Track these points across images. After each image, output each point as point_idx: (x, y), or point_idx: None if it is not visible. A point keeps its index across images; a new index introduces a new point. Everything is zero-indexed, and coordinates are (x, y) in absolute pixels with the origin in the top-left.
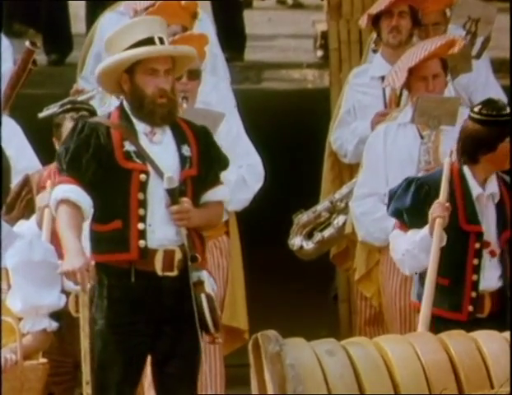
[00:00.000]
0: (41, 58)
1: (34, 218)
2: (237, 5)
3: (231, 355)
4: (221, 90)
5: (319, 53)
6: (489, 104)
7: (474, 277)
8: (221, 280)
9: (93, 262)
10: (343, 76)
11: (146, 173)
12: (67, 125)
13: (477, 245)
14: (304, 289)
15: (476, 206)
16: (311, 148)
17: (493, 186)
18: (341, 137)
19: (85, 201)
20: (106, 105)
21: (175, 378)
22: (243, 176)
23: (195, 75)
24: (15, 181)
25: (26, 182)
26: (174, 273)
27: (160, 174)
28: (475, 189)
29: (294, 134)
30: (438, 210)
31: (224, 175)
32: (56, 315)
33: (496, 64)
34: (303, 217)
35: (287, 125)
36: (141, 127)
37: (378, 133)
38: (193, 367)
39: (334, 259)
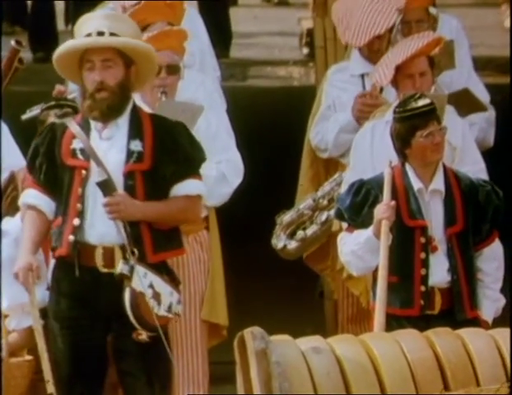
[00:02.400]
0: (27, 55)
1: (19, 215)
2: (223, 2)
3: (216, 352)
4: (207, 87)
5: (305, 50)
6: (404, 100)
7: (422, 271)
8: (202, 274)
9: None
10: (325, 76)
11: (87, 169)
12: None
13: (423, 240)
14: (289, 286)
15: (419, 201)
16: (297, 146)
17: (438, 182)
18: (321, 131)
19: (43, 203)
20: None
21: (131, 376)
22: (222, 171)
23: (174, 70)
24: (0, 178)
25: (12, 179)
26: (115, 270)
27: (102, 168)
28: (416, 184)
29: (279, 132)
30: (382, 210)
31: (203, 171)
32: (42, 312)
33: (482, 62)
34: (286, 217)
35: (273, 122)
36: (93, 123)
37: (365, 131)
38: (147, 364)
39: (307, 260)
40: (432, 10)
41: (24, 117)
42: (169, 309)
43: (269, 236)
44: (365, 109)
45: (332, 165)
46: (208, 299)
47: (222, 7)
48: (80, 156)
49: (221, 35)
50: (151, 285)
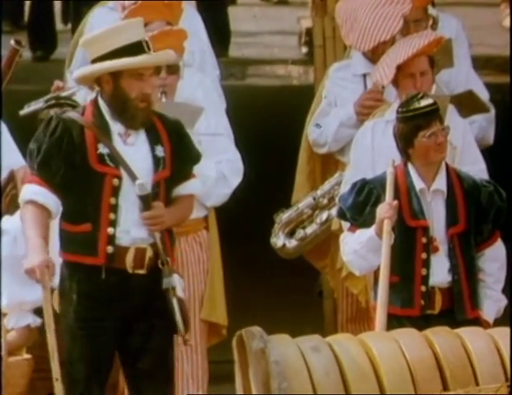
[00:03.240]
0: (26, 54)
1: (18, 214)
2: (222, 1)
3: (215, 351)
4: (206, 86)
5: (304, 49)
6: (406, 100)
7: (423, 271)
8: (201, 274)
9: (60, 260)
10: (326, 74)
11: (119, 177)
12: None
13: (424, 240)
14: (289, 285)
15: (421, 202)
16: (296, 144)
17: (441, 182)
18: (322, 126)
19: (52, 202)
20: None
21: (147, 374)
22: (222, 171)
23: (174, 70)
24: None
25: (11, 178)
26: (145, 271)
27: (133, 177)
28: (418, 184)
29: (278, 130)
30: (384, 210)
31: (203, 171)
32: (40, 311)
33: (482, 61)
34: (284, 216)
35: (272, 121)
36: (115, 127)
37: (366, 130)
38: (165, 364)
39: (308, 256)
40: (432, 10)
41: (22, 112)
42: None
43: (268, 235)
44: (367, 105)
45: (329, 163)
46: (208, 299)
47: (221, 6)
48: (109, 163)
49: (220, 34)
50: (183, 290)
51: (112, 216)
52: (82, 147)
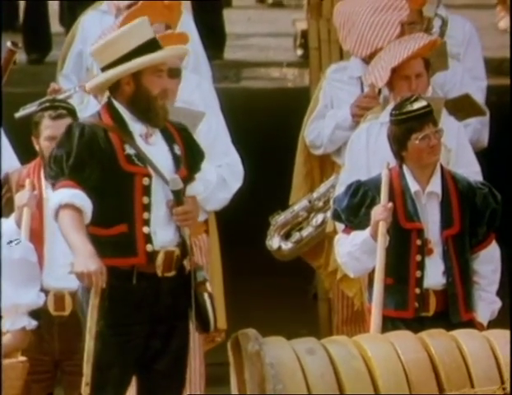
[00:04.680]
0: (21, 56)
1: (13, 217)
2: (217, 4)
3: (211, 353)
4: (203, 89)
5: (299, 51)
6: (400, 103)
7: (418, 274)
8: None
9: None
10: (324, 75)
11: (149, 176)
12: (46, 123)
13: (419, 242)
14: (284, 287)
15: (416, 204)
16: (291, 147)
17: (435, 184)
18: (317, 128)
19: (87, 206)
20: (84, 104)
21: (163, 376)
22: (222, 175)
23: (175, 73)
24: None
25: (6, 181)
26: (172, 273)
27: (160, 176)
28: (413, 186)
29: (274, 133)
30: (379, 212)
31: (204, 175)
32: (35, 314)
33: None
34: (280, 218)
35: (267, 124)
36: (136, 128)
37: (360, 132)
38: (182, 365)
39: (305, 255)
40: (441, 11)
41: (17, 115)
42: None
43: (264, 238)
44: (363, 107)
45: (327, 164)
46: None
47: (216, 9)
48: (138, 163)
49: (214, 37)
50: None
51: (146, 215)
52: (110, 150)
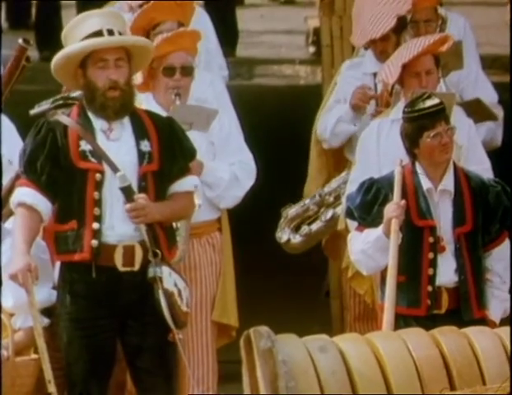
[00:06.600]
0: (33, 54)
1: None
2: (229, 1)
3: (223, 351)
4: (216, 87)
5: (312, 49)
6: (412, 101)
7: (430, 271)
8: (213, 276)
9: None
10: (336, 72)
11: (101, 172)
12: None
13: (431, 240)
14: (296, 285)
15: (428, 201)
16: (303, 144)
17: (448, 182)
18: (325, 121)
19: (41, 203)
20: None
21: (148, 373)
22: (235, 173)
23: (188, 71)
24: (7, 178)
25: (18, 179)
26: (136, 268)
27: (115, 171)
28: (425, 184)
29: (286, 130)
30: (392, 209)
31: (217, 173)
32: (47, 311)
33: (488, 61)
34: (291, 210)
35: (279, 121)
36: (98, 123)
37: (371, 129)
38: (165, 361)
39: (326, 250)
40: (440, 10)
41: (32, 112)
42: (187, 303)
43: (274, 235)
44: (359, 98)
45: (341, 156)
46: (220, 301)
47: (229, 6)
48: (91, 159)
49: (227, 34)
50: (175, 284)
51: (96, 211)
52: (65, 146)
